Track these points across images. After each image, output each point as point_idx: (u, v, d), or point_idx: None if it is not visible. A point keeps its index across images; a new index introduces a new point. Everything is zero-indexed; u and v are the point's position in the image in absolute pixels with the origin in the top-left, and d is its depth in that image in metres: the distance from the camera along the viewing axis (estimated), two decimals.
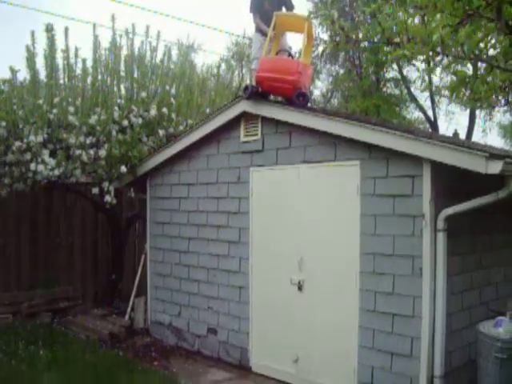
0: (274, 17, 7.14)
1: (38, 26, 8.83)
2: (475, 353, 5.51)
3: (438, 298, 5.33)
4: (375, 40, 3.68)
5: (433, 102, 22.71)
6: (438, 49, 3.65)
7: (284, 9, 7.89)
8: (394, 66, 21.65)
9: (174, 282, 8.38)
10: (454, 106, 22.46)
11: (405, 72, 22.36)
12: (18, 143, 8.29)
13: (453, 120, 42.79)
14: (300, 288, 6.53)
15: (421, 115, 24.95)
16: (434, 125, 23.24)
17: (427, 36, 3.46)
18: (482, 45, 3.72)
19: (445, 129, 30.11)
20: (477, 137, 25.47)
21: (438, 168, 5.23)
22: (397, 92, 24.05)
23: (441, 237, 5.32)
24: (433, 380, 5.31)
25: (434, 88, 20.20)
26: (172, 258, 8.42)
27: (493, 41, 4.01)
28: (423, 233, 5.36)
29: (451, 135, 17.06)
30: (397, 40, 3.67)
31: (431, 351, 5.32)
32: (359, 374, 5.89)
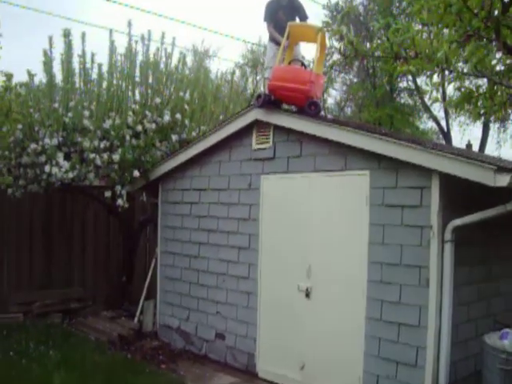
0: (287, 27, 7.22)
1: (55, 31, 8.95)
2: (480, 364, 5.52)
3: (445, 309, 5.36)
4: (383, 55, 3.74)
5: (446, 112, 22.65)
6: (444, 65, 3.71)
7: (297, 19, 7.95)
8: (409, 76, 21.67)
9: (184, 286, 8.44)
10: (466, 118, 22.40)
11: (418, 82, 22.37)
12: (33, 145, 8.41)
13: (466, 131, 42.58)
14: (307, 295, 6.58)
15: (434, 126, 24.91)
16: (447, 136, 23.19)
17: (432, 52, 3.52)
18: (486, 61, 3.79)
19: (459, 140, 29.99)
20: (490, 149, 25.33)
21: (447, 179, 5.27)
22: (410, 102, 24.05)
23: (448, 248, 5.35)
24: None
25: (447, 98, 20.16)
26: (182, 262, 8.50)
27: (495, 59, 4.07)
28: (431, 243, 5.39)
29: (464, 147, 17.07)
30: (404, 55, 3.73)
31: (436, 361, 5.35)
32: (364, 382, 5.91)
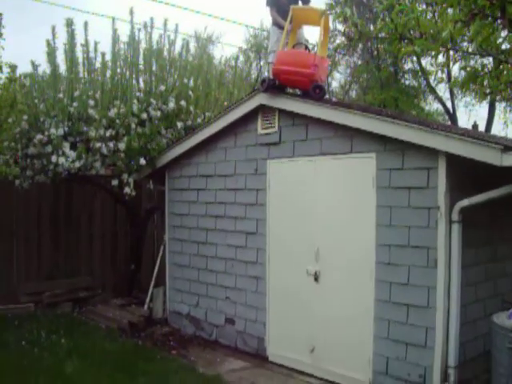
0: (290, 10, 7.19)
1: (58, 20, 8.95)
2: (489, 344, 5.54)
3: (453, 289, 5.38)
4: (387, 37, 3.72)
5: (451, 93, 22.48)
6: (449, 45, 3.69)
7: (300, 3, 7.92)
8: (413, 57, 21.50)
9: (193, 272, 8.49)
10: (472, 98, 22.24)
11: (423, 63, 22.20)
12: (39, 136, 8.44)
13: (472, 112, 42.36)
14: (316, 279, 6.60)
15: (440, 107, 24.73)
16: (452, 116, 23.03)
17: (437, 32, 3.50)
18: (491, 40, 3.76)
19: (466, 120, 29.85)
20: (497, 129, 25.22)
21: (453, 160, 5.26)
22: (415, 83, 23.89)
23: (456, 228, 5.36)
24: (447, 370, 5.37)
25: (452, 79, 20.02)
26: (190, 248, 8.53)
27: (501, 38, 4.04)
28: (438, 224, 5.40)
29: (470, 127, 16.97)
30: (409, 36, 3.71)
31: (445, 342, 5.38)
32: (374, 364, 5.96)
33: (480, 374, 5.70)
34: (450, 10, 3.68)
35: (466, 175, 5.46)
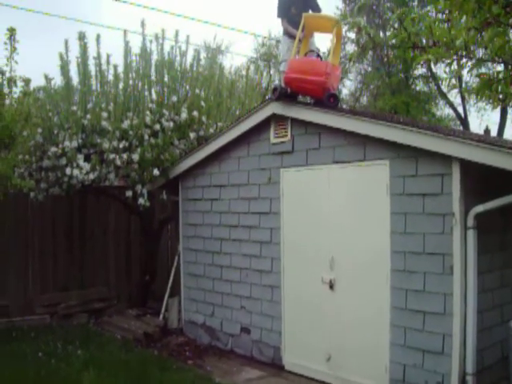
0: (302, 18, 7.21)
1: (71, 34, 9.06)
2: (507, 350, 5.51)
3: (469, 296, 5.35)
4: (400, 45, 3.73)
5: (463, 98, 22.42)
6: (463, 52, 3.70)
7: (310, 11, 7.96)
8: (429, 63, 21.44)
9: (207, 282, 8.50)
10: (485, 104, 22.15)
11: (434, 68, 22.16)
12: (53, 149, 8.52)
13: (484, 116, 42.11)
14: (331, 287, 6.59)
15: (451, 112, 24.67)
16: (464, 122, 22.97)
17: (451, 40, 3.51)
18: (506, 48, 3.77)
19: (477, 125, 29.70)
20: (509, 133, 25.05)
21: (467, 166, 5.25)
22: (426, 89, 23.85)
23: (471, 234, 5.35)
24: (465, 377, 5.34)
25: (463, 85, 19.98)
26: (205, 258, 8.55)
27: None
28: (453, 231, 5.38)
29: (482, 132, 16.91)
30: (422, 44, 3.73)
31: (463, 348, 5.35)
32: (391, 372, 5.93)
33: (498, 380, 5.67)
34: (463, 18, 3.70)
35: (481, 181, 5.45)
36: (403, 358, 5.82)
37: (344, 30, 7.25)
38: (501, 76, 4.39)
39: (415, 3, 20.61)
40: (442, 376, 5.45)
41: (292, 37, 7.67)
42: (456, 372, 5.33)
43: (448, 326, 5.41)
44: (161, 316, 9.41)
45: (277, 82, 11.19)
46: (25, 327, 8.93)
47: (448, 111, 25.36)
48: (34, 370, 6.83)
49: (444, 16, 3.87)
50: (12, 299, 9.45)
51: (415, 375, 5.70)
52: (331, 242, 6.65)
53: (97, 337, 8.64)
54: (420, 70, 22.88)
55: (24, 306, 9.49)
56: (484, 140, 5.58)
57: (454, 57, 3.70)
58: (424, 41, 3.71)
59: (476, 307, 5.36)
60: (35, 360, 7.34)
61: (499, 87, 4.37)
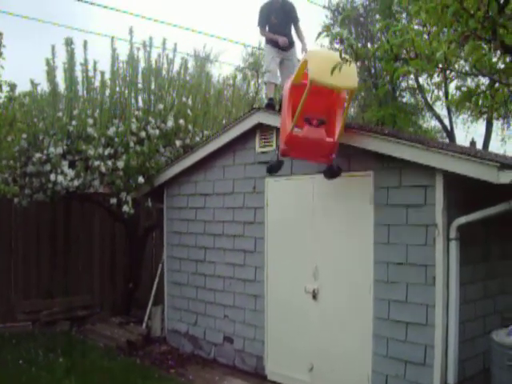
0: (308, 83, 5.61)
1: (56, 39, 9.04)
2: (489, 361, 5.52)
3: (451, 307, 5.37)
4: (383, 57, 3.75)
5: (449, 110, 22.61)
6: (445, 65, 3.73)
7: (292, 25, 8.04)
8: (410, 75, 21.64)
9: (191, 290, 8.47)
10: (469, 115, 22.35)
11: (421, 81, 22.34)
12: (38, 155, 8.49)
13: (470, 129, 42.44)
14: (314, 297, 6.59)
15: (437, 124, 24.87)
16: (450, 134, 23.15)
17: (432, 53, 3.55)
18: (485, 61, 3.81)
19: (463, 137, 29.86)
20: (496, 145, 25.14)
21: (450, 178, 5.29)
22: (413, 101, 24.03)
23: (453, 246, 5.38)
24: None
25: (449, 96, 20.14)
26: (189, 267, 8.53)
27: (495, 57, 4.09)
28: (436, 242, 5.41)
29: (469, 144, 17.04)
30: (405, 56, 3.76)
31: (445, 359, 5.36)
32: (373, 382, 5.92)
33: None
34: (445, 30, 3.73)
35: (464, 192, 5.48)
36: (385, 368, 5.82)
37: (327, 40, 7.17)
38: (481, 89, 4.44)
39: (403, 15, 20.78)
40: None
41: (275, 44, 7.70)
42: (438, 383, 5.34)
43: (430, 337, 5.42)
44: (144, 324, 9.37)
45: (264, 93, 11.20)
46: (6, 334, 8.85)
47: (435, 123, 25.58)
48: (14, 378, 6.77)
49: (426, 28, 3.92)
50: None
51: None
52: (315, 252, 6.65)
53: (79, 344, 8.56)
54: (404, 82, 23.07)
55: (5, 313, 9.41)
56: (467, 152, 5.62)
57: (436, 69, 3.73)
58: (405, 53, 3.74)
59: (458, 318, 5.38)
60: (16, 367, 7.27)
61: (480, 100, 4.41)
